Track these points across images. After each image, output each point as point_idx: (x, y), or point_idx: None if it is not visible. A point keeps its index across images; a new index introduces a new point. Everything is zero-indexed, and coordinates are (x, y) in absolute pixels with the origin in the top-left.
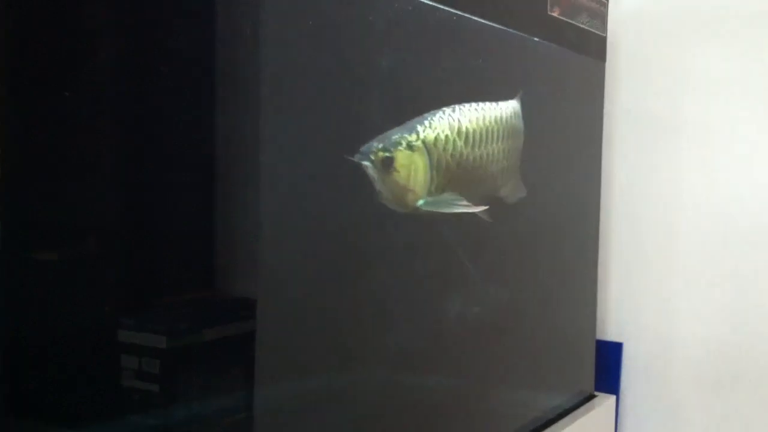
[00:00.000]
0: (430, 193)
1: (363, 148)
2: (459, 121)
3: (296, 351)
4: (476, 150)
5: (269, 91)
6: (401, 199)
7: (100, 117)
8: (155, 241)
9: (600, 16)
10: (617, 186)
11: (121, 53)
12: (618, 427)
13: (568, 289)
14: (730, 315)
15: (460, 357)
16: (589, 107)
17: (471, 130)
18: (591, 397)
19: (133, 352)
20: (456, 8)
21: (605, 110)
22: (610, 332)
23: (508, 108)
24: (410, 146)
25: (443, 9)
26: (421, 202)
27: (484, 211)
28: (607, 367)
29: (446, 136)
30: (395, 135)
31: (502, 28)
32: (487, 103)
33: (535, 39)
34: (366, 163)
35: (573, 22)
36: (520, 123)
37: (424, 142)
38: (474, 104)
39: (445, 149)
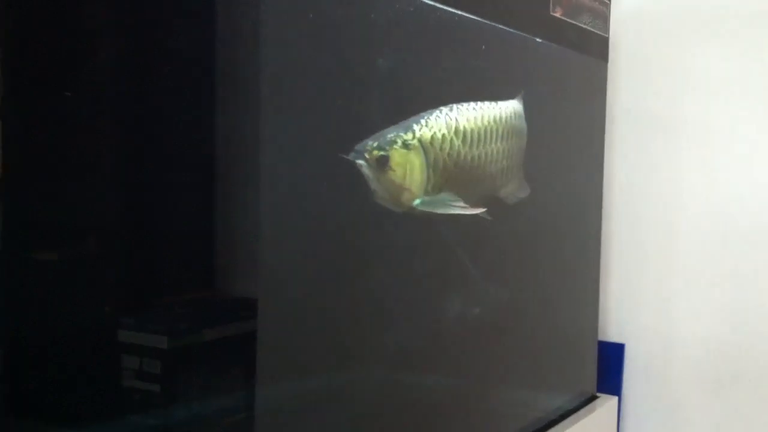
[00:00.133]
0: (426, 193)
1: (357, 147)
2: (456, 120)
3: (297, 351)
4: (474, 149)
5: (269, 91)
6: (397, 199)
7: (100, 117)
8: (156, 241)
9: (602, 16)
10: (617, 186)
11: (121, 53)
12: (620, 429)
13: (570, 289)
14: (730, 315)
15: (462, 358)
16: (592, 107)
17: (469, 129)
18: (593, 398)
19: (134, 353)
20: (458, 9)
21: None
22: (610, 333)
23: (507, 108)
24: (406, 145)
25: (446, 9)
26: (417, 201)
27: (486, 210)
28: (608, 368)
29: (443, 135)
30: (391, 133)
31: (505, 28)
32: (486, 103)
33: (538, 40)
34: (360, 161)
35: (575, 23)
36: (521, 123)
37: (420, 140)
38: (472, 103)
39: (442, 148)
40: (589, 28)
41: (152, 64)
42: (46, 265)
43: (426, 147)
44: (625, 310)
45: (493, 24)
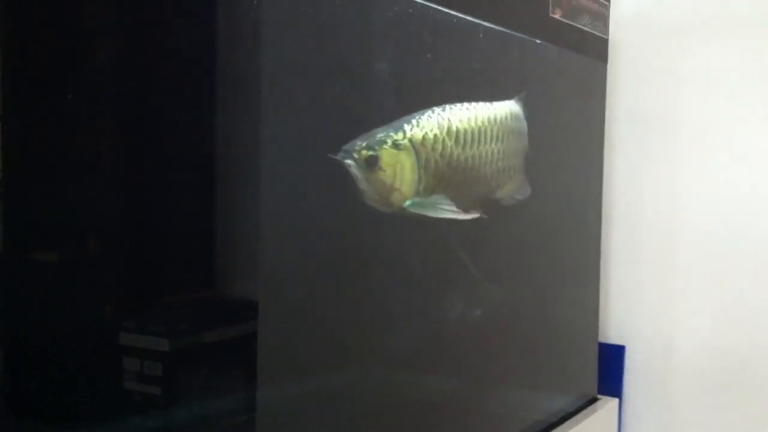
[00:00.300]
0: (418, 194)
1: (346, 146)
2: (449, 120)
3: (299, 352)
4: (468, 150)
5: (269, 91)
6: (386, 199)
7: (100, 117)
8: (156, 241)
9: (601, 17)
10: (617, 187)
11: (121, 53)
12: (620, 431)
13: (570, 290)
14: (730, 316)
15: (462, 359)
16: (591, 108)
17: (462, 130)
18: (594, 400)
19: (134, 354)
20: (458, 11)
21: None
22: (610, 335)
23: (503, 108)
24: (396, 145)
25: (445, 11)
26: (408, 202)
27: (486, 211)
28: (608, 369)
29: (435, 135)
30: (380, 133)
31: (505, 30)
32: (480, 103)
33: (537, 41)
34: (349, 161)
35: (574, 24)
36: (520, 124)
37: (411, 140)
38: (465, 104)
39: (434, 149)
40: (588, 29)
41: (152, 64)
42: (46, 266)
43: (417, 147)
44: (626, 311)
45: (493, 26)
